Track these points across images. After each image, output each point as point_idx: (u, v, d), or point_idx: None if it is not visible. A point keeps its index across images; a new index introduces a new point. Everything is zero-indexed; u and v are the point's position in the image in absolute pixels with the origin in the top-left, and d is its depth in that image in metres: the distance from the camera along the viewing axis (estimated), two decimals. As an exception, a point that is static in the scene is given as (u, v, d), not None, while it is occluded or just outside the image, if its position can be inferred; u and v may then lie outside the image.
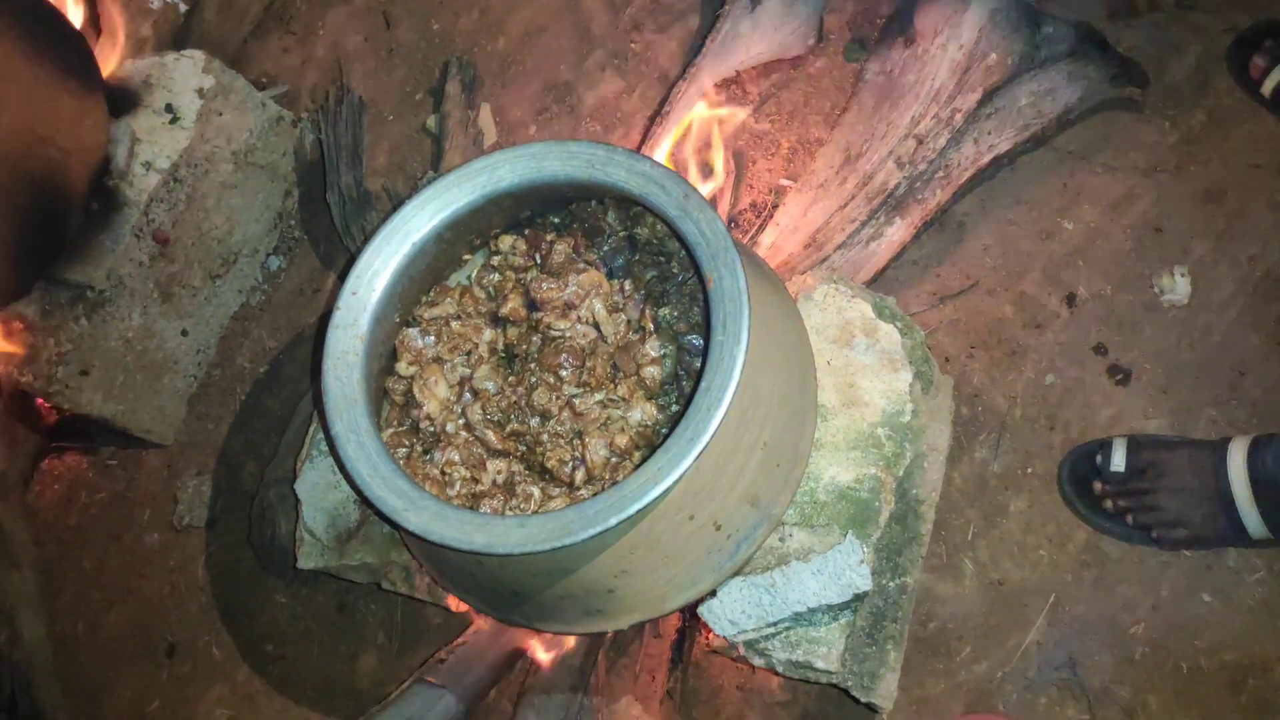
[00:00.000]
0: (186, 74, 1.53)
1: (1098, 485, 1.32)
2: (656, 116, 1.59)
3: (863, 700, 1.18)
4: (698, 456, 0.92)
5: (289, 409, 1.62)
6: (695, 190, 1.02)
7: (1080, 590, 1.34)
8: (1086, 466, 1.34)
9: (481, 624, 1.36)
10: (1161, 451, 1.29)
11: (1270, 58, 1.43)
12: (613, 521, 0.92)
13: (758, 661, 1.19)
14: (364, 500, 1.00)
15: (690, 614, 1.35)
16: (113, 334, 1.50)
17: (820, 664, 1.15)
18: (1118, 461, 1.30)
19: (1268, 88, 1.43)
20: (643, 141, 1.59)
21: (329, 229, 1.70)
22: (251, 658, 1.56)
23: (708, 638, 1.26)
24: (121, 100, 1.51)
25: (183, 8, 1.78)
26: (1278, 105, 1.44)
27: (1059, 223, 1.48)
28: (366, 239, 1.11)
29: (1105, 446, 1.32)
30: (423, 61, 1.79)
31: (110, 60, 1.63)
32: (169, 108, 1.51)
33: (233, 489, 1.64)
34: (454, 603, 1.32)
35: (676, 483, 0.92)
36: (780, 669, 1.18)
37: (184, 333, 1.61)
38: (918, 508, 1.23)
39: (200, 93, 1.52)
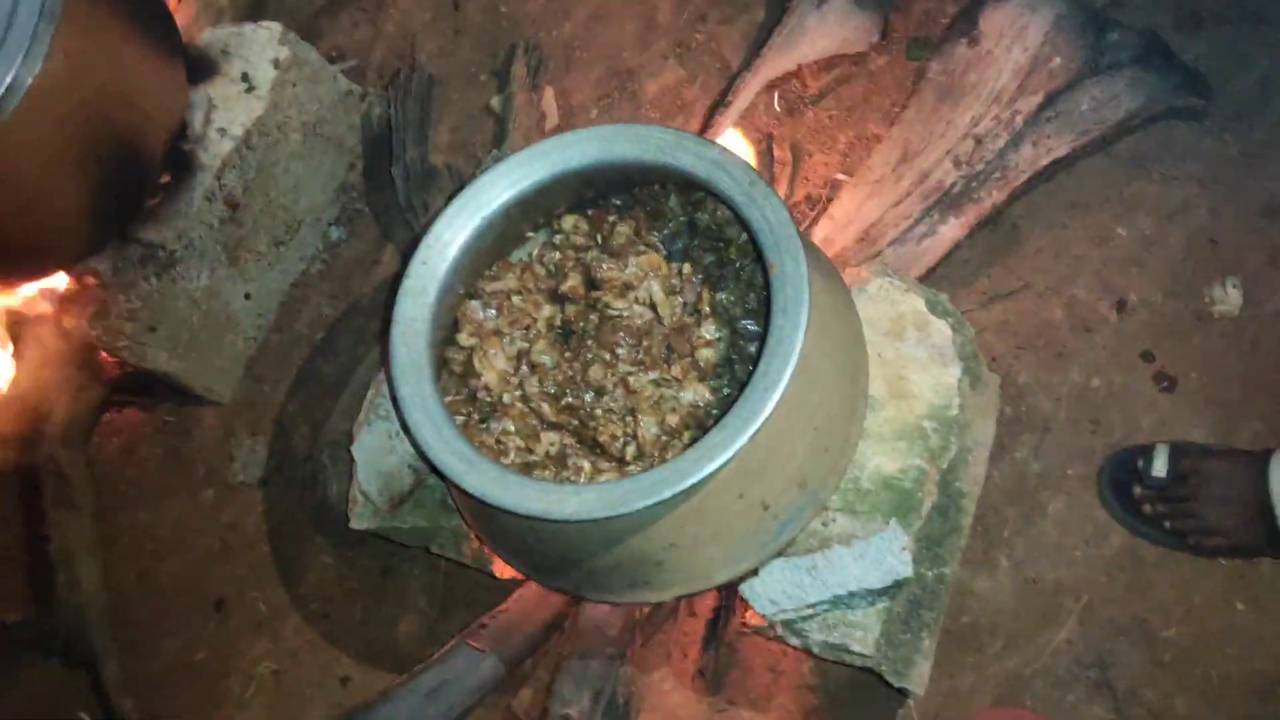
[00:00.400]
0: (263, 44, 1.57)
1: (1137, 489, 1.33)
2: (718, 106, 1.62)
3: (896, 685, 1.20)
4: (752, 436, 0.95)
5: (344, 375, 1.67)
6: (761, 178, 1.05)
7: (1114, 592, 1.36)
8: (1127, 471, 1.35)
9: (525, 592, 1.40)
10: (1203, 460, 1.30)
11: (1335, 74, 1.44)
12: (666, 494, 0.95)
13: (794, 642, 1.21)
14: (426, 462, 1.04)
15: (726, 593, 1.38)
16: (180, 293, 1.55)
17: (856, 647, 1.17)
18: (1159, 467, 1.31)
19: (1331, 104, 1.44)
20: (703, 130, 1.61)
21: (390, 202, 1.74)
22: (297, 614, 1.60)
23: (745, 616, 1.28)
24: (200, 67, 1.55)
25: (259, -21, 1.82)
26: (1340, 122, 1.44)
27: (1113, 229, 1.49)
28: (439, 210, 1.15)
29: (1147, 452, 1.34)
30: (489, 42, 1.82)
31: (189, 28, 1.68)
32: (245, 76, 1.55)
33: (286, 450, 1.68)
34: (499, 569, 1.35)
35: (730, 460, 0.95)
36: (816, 650, 1.21)
37: (247, 296, 1.66)
38: (960, 500, 1.25)
39: (276, 63, 1.56)
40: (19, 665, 1.67)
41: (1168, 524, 1.31)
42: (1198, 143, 1.50)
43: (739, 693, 1.41)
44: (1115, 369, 1.44)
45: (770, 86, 1.63)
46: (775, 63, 1.61)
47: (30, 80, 1.18)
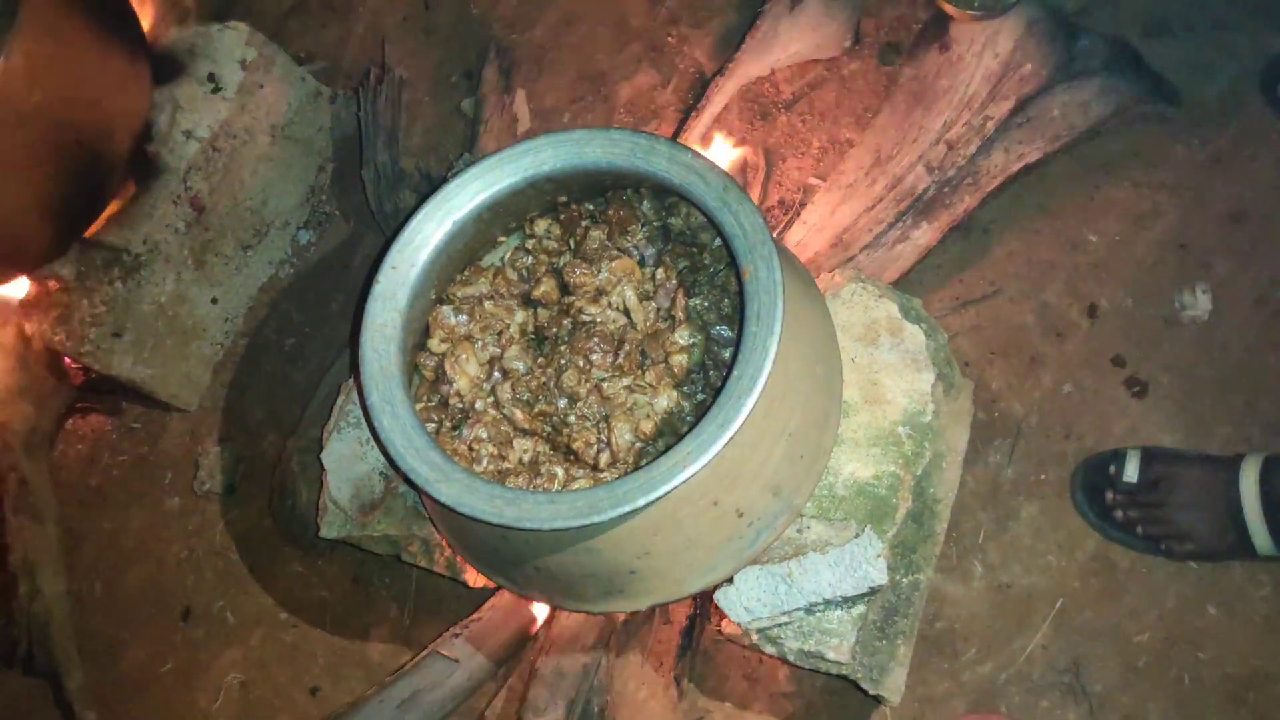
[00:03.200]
0: (230, 45, 1.55)
1: (1109, 495, 1.34)
2: (692, 110, 1.61)
3: (872, 693, 1.20)
4: (726, 443, 0.94)
5: (313, 381, 1.64)
6: (735, 182, 1.04)
7: (1087, 597, 1.36)
8: (1099, 476, 1.36)
9: (498, 601, 1.38)
10: (1175, 464, 1.31)
11: (1301, 82, 1.45)
12: (640, 502, 0.94)
13: (770, 650, 1.21)
14: (396, 470, 1.03)
15: (701, 601, 1.37)
16: (146, 298, 1.52)
17: (831, 655, 1.17)
18: (1131, 472, 1.32)
19: (1298, 110, 1.45)
20: (676, 135, 1.61)
21: (359, 206, 1.72)
22: (265, 624, 1.58)
23: (720, 625, 1.28)
24: (166, 68, 1.53)
25: (227, -21, 1.80)
26: (1307, 129, 1.45)
27: (1084, 234, 1.50)
28: (409, 215, 1.13)
29: (1119, 457, 1.34)
30: (460, 45, 1.81)
31: (155, 28, 1.65)
32: (211, 77, 1.53)
33: (253, 457, 1.66)
34: (472, 577, 1.34)
35: (704, 467, 0.94)
36: (791, 658, 1.20)
37: (214, 301, 1.63)
38: (934, 506, 1.25)
39: (243, 64, 1.54)
40: (-21, 677, 1.64)
41: (1140, 529, 1.32)
42: (1166, 148, 1.51)
43: (714, 701, 1.40)
44: (1087, 374, 1.45)
45: (743, 90, 1.62)
46: (748, 67, 1.61)
47: (-11, 80, 1.16)
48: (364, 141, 1.67)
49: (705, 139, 1.59)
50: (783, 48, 1.61)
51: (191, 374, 1.66)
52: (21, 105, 1.23)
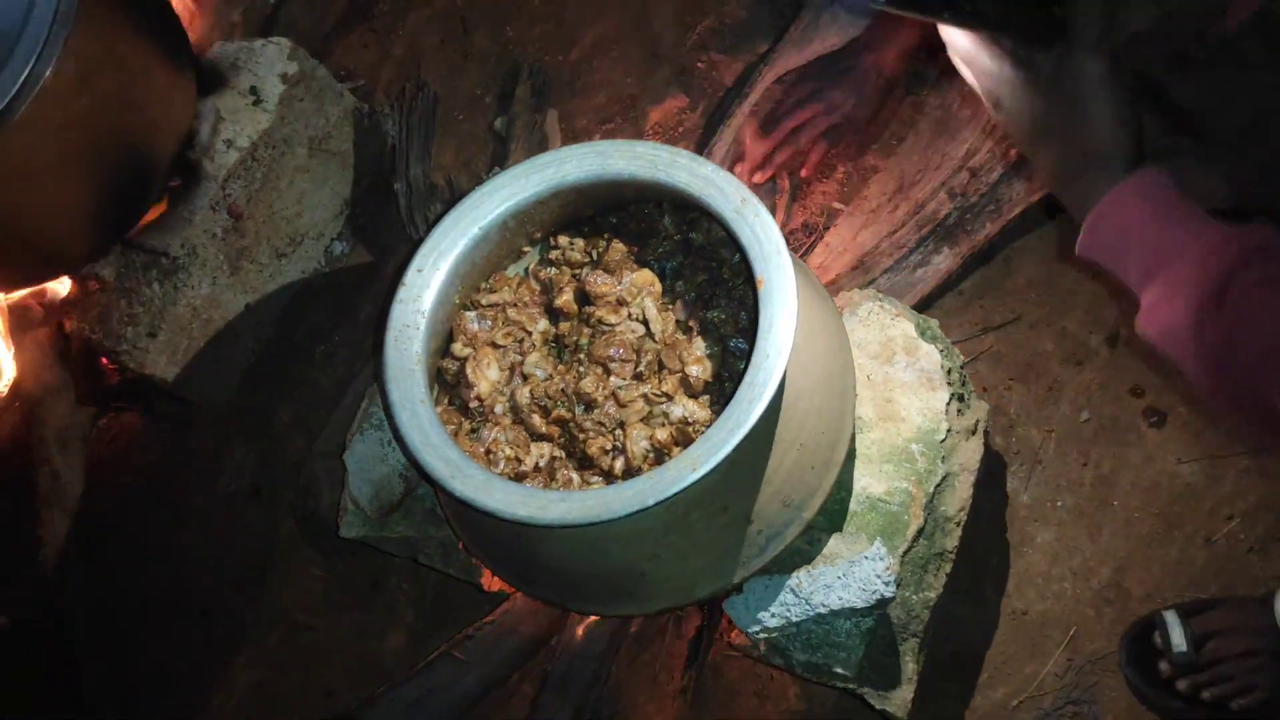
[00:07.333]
0: (272, 59, 1.60)
1: (1165, 667, 1.28)
2: (734, 98, 1.66)
3: (878, 708, 1.20)
4: (736, 447, 0.96)
5: (339, 388, 1.67)
6: (753, 196, 1.07)
7: (1100, 626, 1.36)
8: (1144, 647, 1.31)
9: (511, 606, 1.40)
10: (1215, 617, 1.27)
11: (1325, 117, 1.45)
12: (650, 502, 0.96)
13: (777, 661, 1.21)
14: (415, 466, 1.05)
15: (711, 613, 1.38)
16: (182, 301, 1.56)
17: (839, 669, 1.17)
18: (1178, 639, 1.26)
19: (1322, 147, 1.45)
20: (700, 152, 1.63)
21: (392, 220, 1.76)
22: (283, 626, 1.60)
23: (730, 636, 1.28)
24: (210, 80, 1.58)
25: (272, -1, 1.86)
26: (1330, 164, 1.46)
27: (1105, 263, 1.51)
28: (436, 219, 1.16)
29: (1161, 625, 1.28)
30: (495, 66, 1.85)
31: (201, 42, 1.71)
32: (253, 90, 1.58)
33: (279, 460, 1.69)
34: (486, 580, 1.36)
35: (714, 470, 0.96)
36: (799, 670, 1.21)
37: (247, 306, 1.67)
38: (945, 525, 1.25)
39: (284, 78, 1.59)
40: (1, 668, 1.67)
41: (1206, 694, 1.25)
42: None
43: (722, 716, 1.40)
44: (1105, 402, 1.45)
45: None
46: (788, 58, 1.63)
47: (42, 81, 1.20)
48: (397, 155, 1.71)
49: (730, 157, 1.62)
50: (821, 41, 1.59)
51: (222, 376, 1.70)
52: (72, 107, 1.28)
